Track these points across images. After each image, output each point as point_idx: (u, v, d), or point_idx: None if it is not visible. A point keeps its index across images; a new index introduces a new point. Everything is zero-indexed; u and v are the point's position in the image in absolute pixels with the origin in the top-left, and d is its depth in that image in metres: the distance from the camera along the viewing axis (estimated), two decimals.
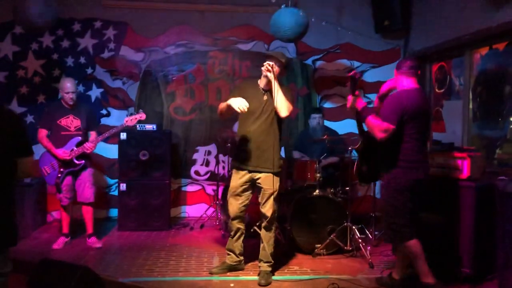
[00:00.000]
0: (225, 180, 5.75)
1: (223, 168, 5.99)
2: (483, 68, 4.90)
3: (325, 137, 4.92)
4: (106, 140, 5.82)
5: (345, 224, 4.45)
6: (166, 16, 5.97)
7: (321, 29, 5.85)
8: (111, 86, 5.99)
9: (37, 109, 5.80)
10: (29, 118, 5.82)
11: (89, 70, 5.92)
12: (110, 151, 5.88)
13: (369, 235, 4.91)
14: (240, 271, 4.02)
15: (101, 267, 4.05)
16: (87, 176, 4.73)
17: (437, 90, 5.78)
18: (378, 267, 4.17)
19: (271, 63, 3.66)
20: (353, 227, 4.50)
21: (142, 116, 4.72)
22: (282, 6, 5.08)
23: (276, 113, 3.72)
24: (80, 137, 4.65)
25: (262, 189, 3.81)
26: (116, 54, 5.96)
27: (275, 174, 3.77)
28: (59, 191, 4.65)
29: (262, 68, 3.69)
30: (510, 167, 4.32)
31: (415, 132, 3.39)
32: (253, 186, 3.89)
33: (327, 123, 5.71)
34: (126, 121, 4.67)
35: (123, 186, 5.40)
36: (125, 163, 5.44)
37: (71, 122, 4.69)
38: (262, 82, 3.80)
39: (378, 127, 3.34)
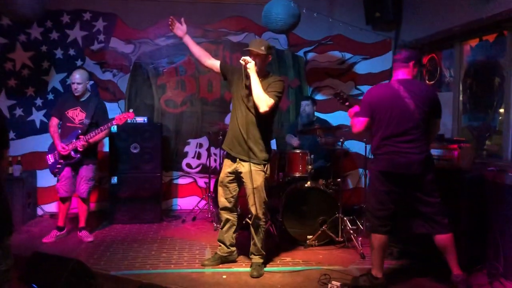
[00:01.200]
0: (217, 173, 5.74)
1: (215, 160, 5.99)
2: (473, 59, 4.92)
3: (316, 126, 4.92)
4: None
5: (337, 215, 4.48)
6: (156, 8, 5.91)
7: (312, 21, 5.83)
8: (101, 78, 5.94)
9: (26, 102, 5.74)
10: (18, 111, 5.75)
11: (79, 62, 5.85)
12: (101, 144, 5.83)
13: (360, 226, 4.94)
14: (232, 263, 4.04)
15: (92, 260, 4.04)
16: (84, 171, 4.73)
17: (427, 81, 5.80)
18: (369, 257, 4.18)
19: (246, 58, 3.62)
20: (345, 218, 4.54)
21: (130, 115, 4.66)
22: None
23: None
24: (79, 130, 4.63)
25: (244, 184, 3.82)
26: (106, 46, 5.90)
27: (256, 165, 3.74)
28: (58, 180, 4.68)
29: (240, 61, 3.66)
30: (499, 158, 4.36)
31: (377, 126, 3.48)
32: (239, 180, 3.87)
33: (319, 115, 5.72)
34: (116, 120, 4.60)
35: (114, 179, 5.38)
36: (116, 156, 5.41)
37: (77, 115, 4.70)
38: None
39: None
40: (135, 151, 5.40)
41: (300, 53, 6.20)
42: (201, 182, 6.13)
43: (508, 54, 4.21)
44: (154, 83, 6.04)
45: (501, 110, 4.40)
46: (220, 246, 4.04)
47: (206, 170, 5.96)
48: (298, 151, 4.90)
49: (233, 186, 3.89)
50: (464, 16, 4.56)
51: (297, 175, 4.82)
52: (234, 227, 4.02)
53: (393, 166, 3.38)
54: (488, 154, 4.67)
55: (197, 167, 6.15)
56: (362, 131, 3.56)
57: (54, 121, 4.74)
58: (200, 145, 6.15)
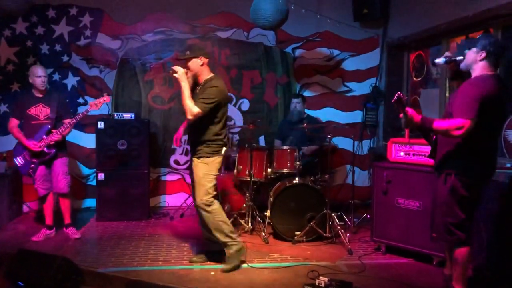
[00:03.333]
0: None
1: None
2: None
3: (304, 125, 4.94)
4: (83, 129, 5.76)
5: (325, 211, 4.50)
6: (143, 3, 5.87)
7: (300, 17, 5.84)
8: (88, 74, 5.87)
9: (11, 97, 5.66)
10: (3, 108, 5.68)
11: (65, 58, 5.79)
12: (87, 140, 5.79)
13: (348, 222, 4.98)
14: (219, 254, 4.02)
15: (79, 257, 4.01)
16: (59, 165, 4.62)
17: (414, 78, 5.85)
18: (356, 253, 4.23)
19: (174, 67, 3.73)
20: (332, 214, 4.56)
21: (106, 99, 4.56)
22: None
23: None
24: (49, 126, 4.53)
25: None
26: (93, 42, 5.84)
27: (198, 159, 3.81)
28: (33, 181, 4.59)
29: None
30: None
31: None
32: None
33: (307, 111, 5.75)
34: (91, 106, 4.47)
35: (101, 176, 5.33)
36: (103, 152, 5.37)
37: (40, 111, 4.59)
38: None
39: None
40: (122, 147, 5.36)
41: (288, 49, 6.21)
42: (189, 178, 6.09)
43: None
44: (141, 79, 5.99)
45: None
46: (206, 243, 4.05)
47: None
48: (286, 147, 4.91)
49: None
50: (450, 14, 4.61)
51: (285, 171, 4.83)
52: None
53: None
54: None
55: (185, 163, 6.13)
56: None
57: (15, 122, 4.58)
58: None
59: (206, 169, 3.78)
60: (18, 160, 4.55)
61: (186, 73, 3.77)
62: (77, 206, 5.72)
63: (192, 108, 3.65)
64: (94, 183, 5.55)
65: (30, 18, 5.66)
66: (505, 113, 3.09)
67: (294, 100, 5.58)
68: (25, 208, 5.73)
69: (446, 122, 2.92)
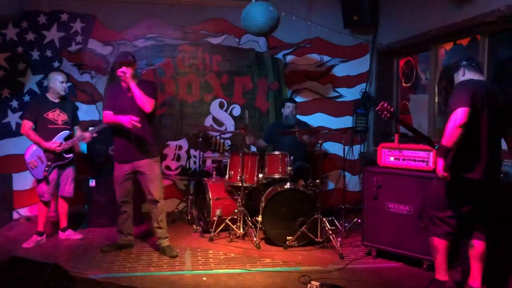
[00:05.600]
0: (197, 175, 5.75)
1: (194, 163, 5.98)
2: (447, 62, 5.04)
3: (295, 129, 4.97)
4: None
5: (316, 216, 4.52)
6: (135, 9, 5.88)
7: (291, 24, 5.89)
8: (79, 80, 5.87)
9: (2, 104, 5.63)
10: None
11: (56, 64, 5.77)
12: (77, 146, 5.76)
13: (339, 226, 5.01)
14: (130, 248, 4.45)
15: (71, 264, 3.99)
16: (71, 172, 4.78)
17: (404, 84, 5.92)
18: (347, 257, 4.26)
19: (122, 69, 4.07)
20: (324, 219, 4.58)
21: None
22: (253, 0, 5.09)
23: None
24: (68, 131, 4.68)
25: (145, 175, 4.24)
26: (84, 48, 5.84)
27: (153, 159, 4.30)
28: (48, 183, 4.61)
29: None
30: None
31: None
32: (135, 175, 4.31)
33: (298, 117, 5.78)
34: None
35: (92, 182, 5.32)
36: (94, 158, 5.35)
37: (58, 116, 4.67)
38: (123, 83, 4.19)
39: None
40: (113, 153, 5.34)
41: (279, 55, 6.25)
42: (181, 184, 6.11)
43: (481, 58, 4.34)
44: None
45: None
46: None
47: (185, 172, 5.95)
48: (277, 152, 4.94)
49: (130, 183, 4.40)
50: (438, 21, 4.68)
51: (276, 176, 4.85)
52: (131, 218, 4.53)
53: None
54: None
55: (176, 169, 6.13)
56: None
57: (29, 125, 4.60)
58: (180, 147, 6.13)
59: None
60: (33, 163, 4.56)
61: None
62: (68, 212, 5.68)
63: (149, 100, 4.17)
64: (85, 189, 5.50)
65: (20, 24, 5.64)
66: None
67: (291, 105, 5.60)
68: (15, 215, 5.68)
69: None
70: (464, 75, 3.27)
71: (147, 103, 4.11)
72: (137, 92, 4.08)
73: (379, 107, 3.52)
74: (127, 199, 4.44)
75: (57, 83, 4.66)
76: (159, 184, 4.34)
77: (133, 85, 4.09)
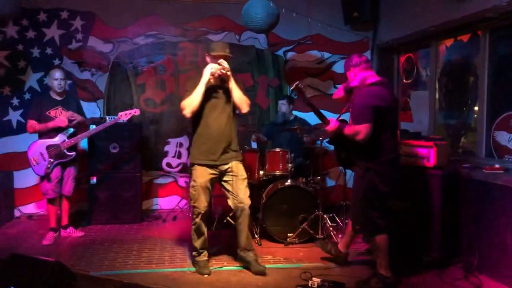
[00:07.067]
0: None
1: None
2: (448, 59, 5.04)
3: (293, 126, 4.97)
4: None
5: (317, 213, 4.53)
6: (135, 6, 5.87)
7: (291, 20, 5.87)
8: (80, 77, 5.86)
9: (2, 101, 5.63)
10: None
11: (56, 62, 5.77)
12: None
13: (340, 223, 5.01)
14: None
15: (72, 261, 4.00)
16: (72, 171, 4.79)
17: (404, 80, 5.91)
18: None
19: (224, 64, 3.61)
20: (325, 215, 4.59)
21: (136, 111, 4.86)
22: None
23: (234, 108, 3.75)
24: (73, 128, 4.69)
25: (235, 177, 3.80)
26: (84, 45, 5.83)
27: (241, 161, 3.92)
28: (49, 180, 4.61)
29: (212, 70, 3.60)
30: (474, 155, 4.48)
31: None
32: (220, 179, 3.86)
33: (299, 114, 5.76)
34: (120, 116, 4.76)
35: (93, 180, 5.33)
36: (95, 156, 5.36)
37: (61, 113, 4.67)
38: (211, 80, 3.68)
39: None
40: (114, 150, 5.36)
41: (280, 52, 6.24)
42: (182, 181, 6.12)
43: (482, 54, 4.33)
44: (133, 83, 5.99)
45: (476, 108, 4.52)
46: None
47: (186, 170, 5.95)
48: (278, 149, 4.93)
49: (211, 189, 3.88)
50: (439, 17, 4.67)
51: (277, 173, 4.85)
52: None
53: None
54: (463, 151, 4.79)
55: (177, 166, 6.13)
56: None
57: (34, 123, 4.62)
58: (181, 144, 6.14)
59: None
60: (35, 159, 4.57)
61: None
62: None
63: (247, 99, 3.79)
64: (86, 186, 5.51)
65: (20, 22, 5.63)
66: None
67: (279, 102, 5.58)
68: (16, 213, 5.70)
69: None
70: None
71: (245, 103, 3.80)
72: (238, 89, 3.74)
73: (293, 86, 3.79)
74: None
75: (52, 80, 4.67)
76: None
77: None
